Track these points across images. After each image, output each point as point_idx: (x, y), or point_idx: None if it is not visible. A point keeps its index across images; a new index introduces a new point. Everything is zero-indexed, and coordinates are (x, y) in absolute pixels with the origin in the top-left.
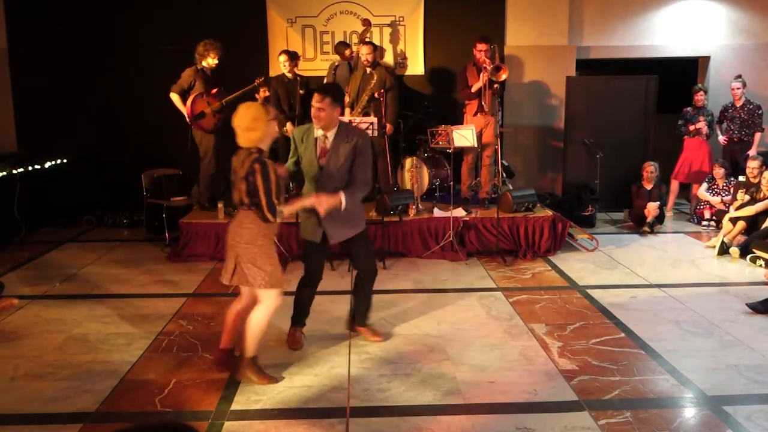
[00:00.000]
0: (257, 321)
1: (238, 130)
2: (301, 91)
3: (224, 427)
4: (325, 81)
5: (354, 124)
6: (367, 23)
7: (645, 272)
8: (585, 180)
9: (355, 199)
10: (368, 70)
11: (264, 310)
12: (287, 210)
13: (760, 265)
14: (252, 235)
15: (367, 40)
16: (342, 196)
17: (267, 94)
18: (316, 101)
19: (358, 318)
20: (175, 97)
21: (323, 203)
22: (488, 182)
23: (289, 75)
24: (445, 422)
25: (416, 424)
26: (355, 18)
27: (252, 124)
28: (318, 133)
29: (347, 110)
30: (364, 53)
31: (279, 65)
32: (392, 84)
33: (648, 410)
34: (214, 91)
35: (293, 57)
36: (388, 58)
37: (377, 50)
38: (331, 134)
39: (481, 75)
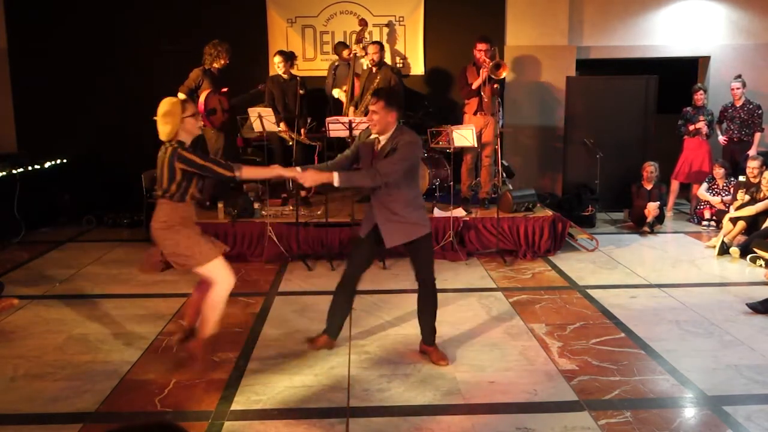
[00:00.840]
0: (215, 298)
1: (158, 124)
2: (301, 91)
3: (224, 427)
4: (326, 81)
5: (355, 123)
6: (363, 23)
7: (645, 272)
8: (585, 180)
9: (353, 182)
10: (374, 69)
11: (217, 287)
12: (252, 171)
13: (760, 265)
14: (169, 226)
15: (374, 40)
16: (336, 176)
17: None
18: (370, 104)
19: (424, 337)
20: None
21: (308, 178)
22: (488, 182)
23: (285, 76)
24: (445, 422)
25: (416, 424)
26: (354, 18)
27: (163, 119)
28: (374, 135)
29: (351, 109)
30: (371, 52)
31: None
32: (396, 83)
33: (648, 410)
34: (225, 90)
35: (288, 57)
36: (388, 58)
37: (384, 50)
38: (384, 138)
39: (481, 71)
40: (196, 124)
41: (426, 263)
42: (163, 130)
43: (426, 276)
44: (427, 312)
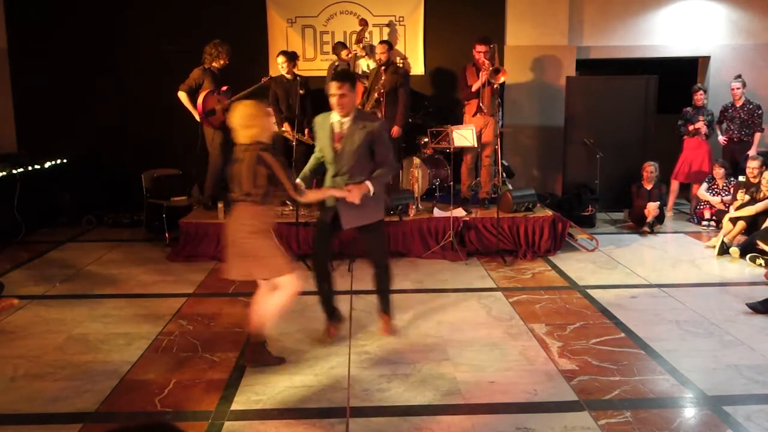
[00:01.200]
0: (272, 306)
1: (237, 128)
2: (301, 91)
3: (224, 427)
4: (326, 81)
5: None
6: (363, 23)
7: (645, 272)
8: (585, 180)
9: (381, 183)
10: (381, 69)
11: (281, 295)
12: (314, 195)
13: (760, 265)
14: (253, 229)
15: (375, 40)
16: (369, 185)
17: None
18: (336, 89)
19: (380, 306)
20: (182, 95)
21: (354, 193)
22: (488, 182)
23: (288, 76)
24: (445, 422)
25: (416, 424)
26: (355, 18)
27: (250, 122)
28: (334, 119)
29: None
30: (379, 52)
31: (277, 66)
32: (401, 83)
33: (648, 410)
34: (224, 88)
35: (291, 58)
36: None
37: (392, 50)
38: (347, 120)
39: (481, 73)
40: (274, 122)
41: (378, 245)
42: (248, 133)
43: (378, 257)
44: (381, 287)
